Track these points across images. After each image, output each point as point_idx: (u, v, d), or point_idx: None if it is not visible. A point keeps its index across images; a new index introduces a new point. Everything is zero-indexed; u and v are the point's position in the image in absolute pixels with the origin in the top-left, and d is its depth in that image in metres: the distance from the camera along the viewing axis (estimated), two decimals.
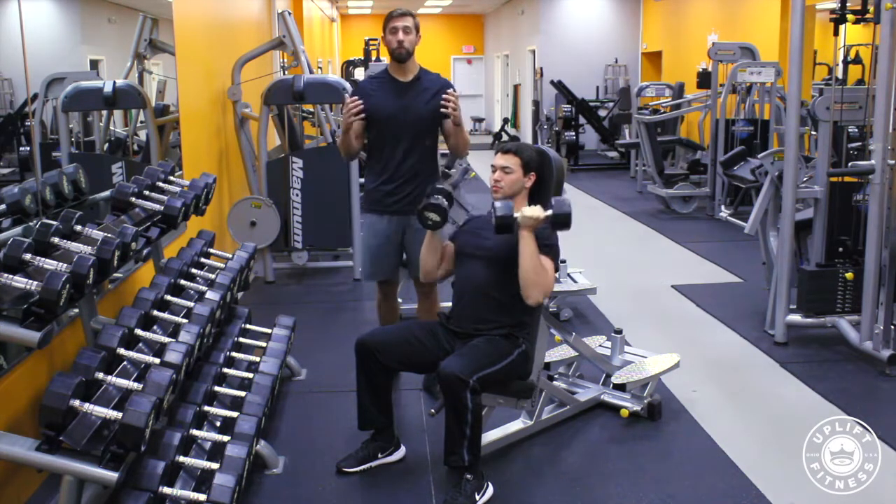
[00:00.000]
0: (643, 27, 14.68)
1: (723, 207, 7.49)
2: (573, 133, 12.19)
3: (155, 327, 2.91)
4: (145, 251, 3.45)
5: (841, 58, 6.71)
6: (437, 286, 3.70)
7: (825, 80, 8.19)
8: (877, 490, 2.80)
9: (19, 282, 2.28)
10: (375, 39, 12.59)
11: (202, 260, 3.60)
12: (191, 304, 3.05)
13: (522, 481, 2.95)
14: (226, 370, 3.14)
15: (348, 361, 3.07)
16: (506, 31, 18.19)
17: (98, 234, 2.71)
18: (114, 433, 2.21)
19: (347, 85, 5.65)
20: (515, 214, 2.81)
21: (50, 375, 2.29)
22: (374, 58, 12.07)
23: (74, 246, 2.59)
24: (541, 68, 14.16)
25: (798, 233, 4.42)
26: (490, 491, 2.81)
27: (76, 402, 2.18)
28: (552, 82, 12.41)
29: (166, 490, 2.33)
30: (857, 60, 8.38)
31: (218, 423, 2.87)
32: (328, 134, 6.69)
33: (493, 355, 2.84)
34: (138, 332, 2.74)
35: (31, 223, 2.83)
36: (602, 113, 12.97)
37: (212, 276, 3.41)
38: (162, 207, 3.24)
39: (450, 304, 3.13)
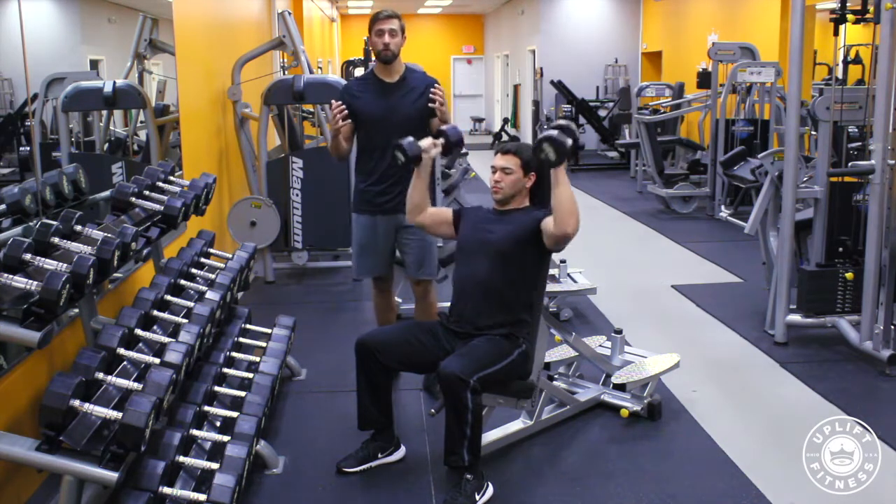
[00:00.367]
0: (643, 27, 14.67)
1: (723, 207, 7.48)
2: None
3: (155, 327, 2.91)
4: (145, 251, 3.45)
5: (841, 58, 6.71)
6: (434, 288, 3.71)
7: (825, 80, 8.19)
8: (877, 490, 2.80)
9: (19, 282, 2.28)
10: None
11: (202, 260, 3.60)
12: (191, 304, 3.05)
13: (522, 481, 2.95)
14: (226, 370, 3.14)
15: (348, 361, 3.08)
16: (506, 31, 18.18)
17: (98, 234, 2.71)
18: (114, 433, 2.22)
19: None
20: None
21: (50, 375, 2.29)
22: (373, 58, 12.03)
23: (74, 246, 2.59)
24: (541, 68, 14.15)
25: (798, 233, 4.42)
26: (490, 491, 2.81)
27: (76, 402, 2.18)
28: (552, 82, 12.40)
29: (166, 490, 2.33)
30: (857, 60, 8.38)
31: (218, 423, 2.87)
32: (328, 134, 6.68)
33: (493, 355, 2.84)
34: (138, 332, 2.74)
35: (31, 223, 2.83)
36: (602, 113, 12.95)
37: (212, 276, 3.41)
38: (162, 207, 3.24)
39: (449, 304, 3.13)
